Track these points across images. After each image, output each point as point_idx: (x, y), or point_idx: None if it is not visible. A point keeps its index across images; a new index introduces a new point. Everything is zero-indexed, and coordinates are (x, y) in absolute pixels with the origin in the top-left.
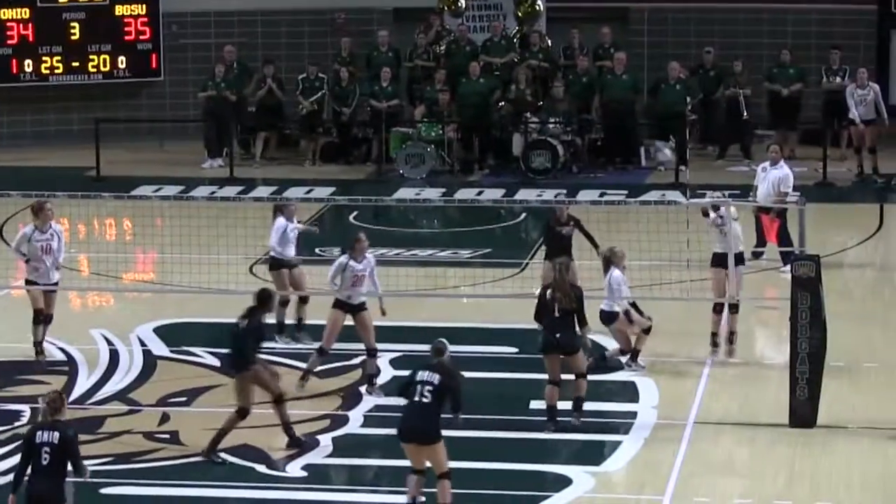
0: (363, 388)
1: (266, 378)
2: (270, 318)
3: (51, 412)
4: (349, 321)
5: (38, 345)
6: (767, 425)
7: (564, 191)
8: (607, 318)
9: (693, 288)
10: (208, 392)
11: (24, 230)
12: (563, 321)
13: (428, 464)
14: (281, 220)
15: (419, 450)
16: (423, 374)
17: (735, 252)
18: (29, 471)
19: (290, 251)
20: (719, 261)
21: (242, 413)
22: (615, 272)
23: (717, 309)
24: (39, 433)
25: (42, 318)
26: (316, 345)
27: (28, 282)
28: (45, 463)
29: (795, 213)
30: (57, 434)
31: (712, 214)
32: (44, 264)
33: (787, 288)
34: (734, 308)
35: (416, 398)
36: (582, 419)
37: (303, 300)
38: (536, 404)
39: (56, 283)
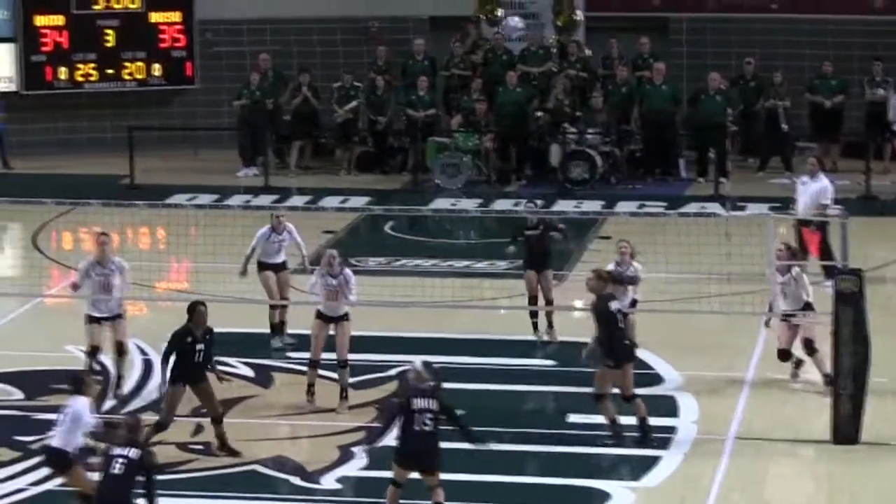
0: (337, 407)
1: (174, 401)
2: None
3: (130, 434)
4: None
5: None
6: (809, 441)
7: (602, 202)
8: None
9: (734, 301)
10: (242, 402)
11: (83, 264)
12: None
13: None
14: (264, 229)
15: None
16: (419, 402)
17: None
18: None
19: (273, 258)
20: (786, 316)
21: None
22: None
23: (783, 357)
24: (116, 449)
25: (96, 354)
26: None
27: (90, 318)
28: (116, 472)
29: (838, 227)
30: (136, 452)
31: (779, 278)
32: (103, 301)
33: (830, 302)
34: (811, 351)
35: (417, 427)
36: (628, 434)
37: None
38: (575, 418)
39: (119, 316)
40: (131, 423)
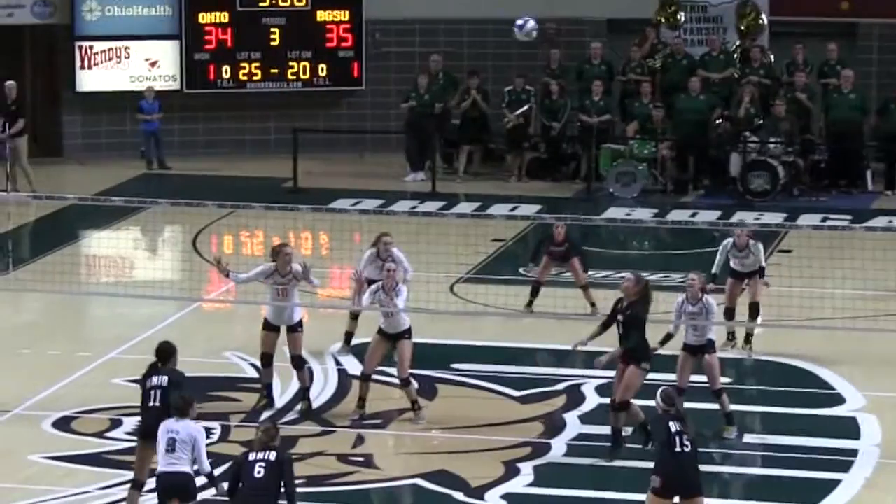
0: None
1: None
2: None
3: (267, 439)
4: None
5: (266, 388)
6: None
7: (784, 214)
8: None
9: None
10: (405, 414)
11: (263, 267)
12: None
13: None
14: (371, 251)
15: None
16: (675, 425)
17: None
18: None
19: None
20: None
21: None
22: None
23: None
24: (253, 454)
25: (269, 362)
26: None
27: (266, 323)
28: (258, 476)
29: None
30: (273, 454)
31: (738, 252)
32: (279, 310)
33: None
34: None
35: (679, 449)
36: (799, 455)
37: (353, 316)
38: (750, 438)
39: (296, 328)
40: (267, 426)
